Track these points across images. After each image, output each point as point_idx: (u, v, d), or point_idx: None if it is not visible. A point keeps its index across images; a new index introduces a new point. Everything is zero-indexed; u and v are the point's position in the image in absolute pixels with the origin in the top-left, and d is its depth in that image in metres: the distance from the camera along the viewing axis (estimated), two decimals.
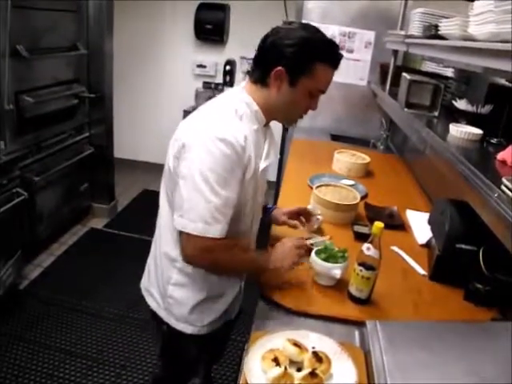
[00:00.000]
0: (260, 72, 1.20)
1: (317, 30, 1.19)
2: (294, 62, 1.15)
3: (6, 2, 2.25)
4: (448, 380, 0.92)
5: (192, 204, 1.12)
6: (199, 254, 1.18)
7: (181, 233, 1.17)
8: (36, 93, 2.70)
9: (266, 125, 1.31)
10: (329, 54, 1.17)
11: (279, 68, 1.15)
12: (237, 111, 1.19)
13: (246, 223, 1.31)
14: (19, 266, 2.68)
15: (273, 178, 3.67)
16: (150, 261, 1.44)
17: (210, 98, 4.84)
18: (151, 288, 1.40)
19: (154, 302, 1.39)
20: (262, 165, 1.25)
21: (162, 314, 1.36)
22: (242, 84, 1.29)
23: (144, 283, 1.46)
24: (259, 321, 1.22)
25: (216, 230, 1.13)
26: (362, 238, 1.65)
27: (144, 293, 1.45)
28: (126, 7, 4.13)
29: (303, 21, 3.26)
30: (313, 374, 0.94)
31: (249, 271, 1.38)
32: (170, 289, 1.32)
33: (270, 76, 1.17)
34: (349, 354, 1.04)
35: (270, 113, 1.25)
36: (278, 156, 1.44)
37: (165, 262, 1.32)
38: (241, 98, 1.23)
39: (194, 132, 1.16)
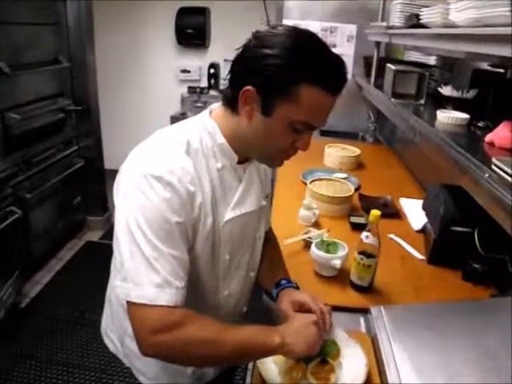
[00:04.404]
0: (231, 92, 0.90)
1: (309, 36, 0.87)
2: (268, 80, 0.83)
3: None
4: (454, 355, 0.95)
5: (135, 263, 0.84)
6: (151, 336, 0.83)
7: (128, 307, 0.86)
8: (21, 109, 2.68)
9: (244, 162, 1.01)
10: (322, 71, 0.83)
11: (248, 88, 0.85)
12: (189, 143, 0.91)
13: (201, 299, 1.03)
14: (19, 284, 2.67)
15: None
16: (106, 303, 1.22)
17: (195, 102, 4.78)
18: (110, 332, 1.20)
19: (114, 346, 1.19)
20: (228, 215, 0.98)
21: (124, 360, 1.17)
22: (214, 105, 1.01)
23: (103, 325, 1.25)
24: (265, 315, 1.23)
25: (168, 296, 0.83)
26: (358, 228, 1.68)
27: (103, 334, 1.24)
28: (106, 17, 4.12)
29: (284, 20, 3.25)
30: (324, 361, 0.96)
31: (242, 350, 0.89)
32: (126, 340, 1.11)
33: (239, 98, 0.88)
34: (356, 340, 1.06)
35: (241, 147, 0.96)
36: (264, 203, 1.13)
37: (120, 310, 1.08)
38: (204, 126, 0.96)
39: (128, 166, 0.91)
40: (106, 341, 1.22)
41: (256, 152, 0.97)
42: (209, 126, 0.95)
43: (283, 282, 1.12)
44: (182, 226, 0.87)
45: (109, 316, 1.19)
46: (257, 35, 0.87)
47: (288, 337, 0.89)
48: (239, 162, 0.99)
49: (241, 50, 0.88)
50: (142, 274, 0.83)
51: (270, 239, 1.29)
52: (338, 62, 0.86)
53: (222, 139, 0.94)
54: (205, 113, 0.99)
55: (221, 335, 0.86)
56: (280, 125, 0.87)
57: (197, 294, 1.01)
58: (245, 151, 0.97)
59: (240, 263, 1.10)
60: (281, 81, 0.82)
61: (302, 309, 1.04)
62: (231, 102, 0.91)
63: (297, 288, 1.13)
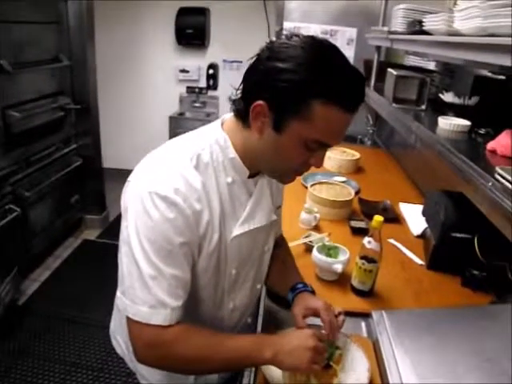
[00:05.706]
0: (243, 105, 0.86)
1: (326, 50, 0.81)
2: (280, 96, 0.79)
3: None
4: (455, 360, 0.96)
5: (132, 281, 0.85)
6: (145, 349, 0.88)
7: (126, 319, 0.89)
8: (22, 107, 2.68)
9: (255, 175, 0.97)
10: (339, 89, 0.78)
11: (259, 102, 0.81)
12: (199, 157, 0.88)
13: (204, 313, 1.02)
14: (17, 282, 2.67)
15: None
16: (115, 307, 1.18)
17: (193, 102, 4.78)
18: (118, 336, 1.19)
19: (121, 350, 1.19)
20: (236, 231, 0.95)
21: (130, 365, 1.19)
22: (226, 116, 0.96)
23: (111, 327, 1.23)
24: (266, 319, 1.24)
25: (161, 316, 0.84)
26: (359, 232, 1.70)
27: (111, 337, 1.23)
28: (106, 17, 4.12)
29: (284, 22, 3.27)
30: (326, 365, 0.97)
31: (231, 364, 0.93)
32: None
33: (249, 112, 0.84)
34: (358, 344, 1.07)
35: (252, 162, 0.93)
36: (275, 217, 1.08)
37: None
38: (215, 139, 0.91)
39: (135, 179, 0.89)
40: (114, 343, 1.22)
41: (266, 167, 0.93)
42: (220, 138, 0.91)
43: (299, 285, 1.10)
44: (187, 246, 0.86)
45: (117, 320, 1.18)
46: (270, 46, 0.81)
47: (280, 355, 0.88)
48: (250, 176, 0.96)
49: (253, 61, 0.83)
50: (137, 292, 0.85)
51: (280, 244, 1.27)
52: (355, 78, 0.81)
53: (233, 153, 0.91)
54: (217, 124, 0.95)
55: (212, 352, 0.88)
56: (292, 142, 0.83)
57: (199, 309, 1.01)
58: (255, 166, 0.94)
59: (247, 276, 1.07)
60: (293, 97, 0.78)
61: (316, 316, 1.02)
62: (242, 115, 0.87)
63: (312, 292, 1.12)
